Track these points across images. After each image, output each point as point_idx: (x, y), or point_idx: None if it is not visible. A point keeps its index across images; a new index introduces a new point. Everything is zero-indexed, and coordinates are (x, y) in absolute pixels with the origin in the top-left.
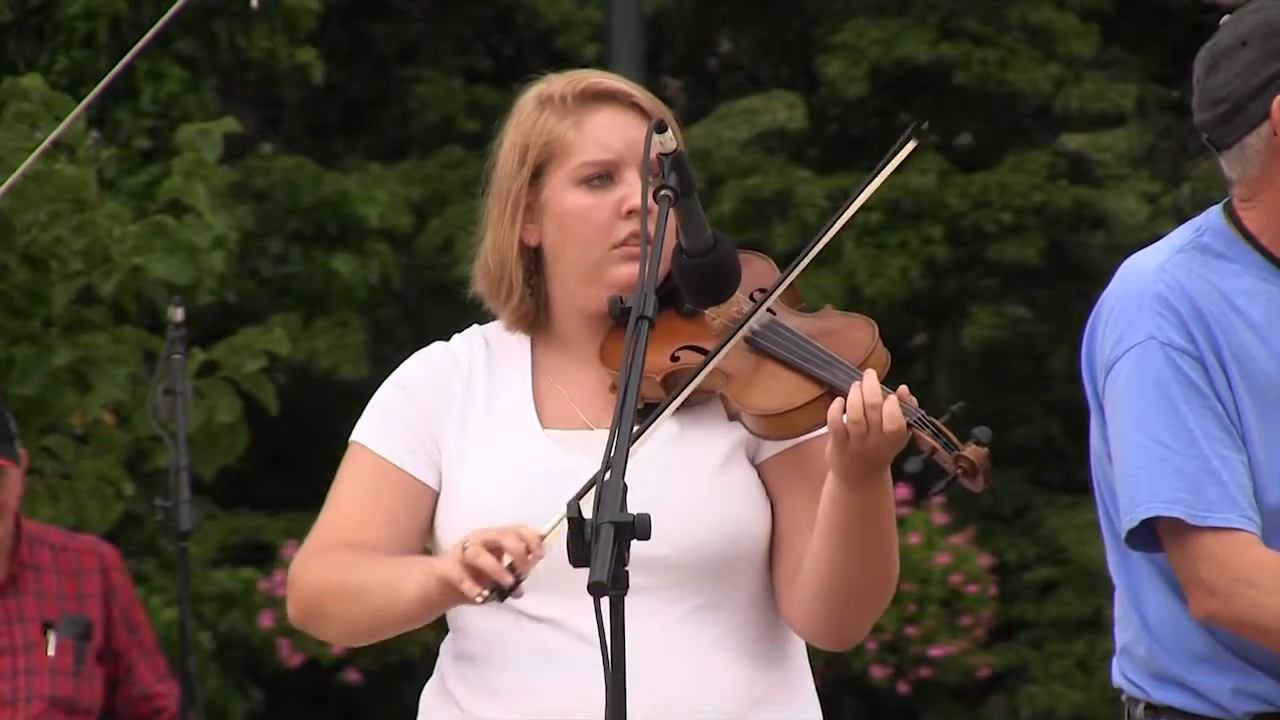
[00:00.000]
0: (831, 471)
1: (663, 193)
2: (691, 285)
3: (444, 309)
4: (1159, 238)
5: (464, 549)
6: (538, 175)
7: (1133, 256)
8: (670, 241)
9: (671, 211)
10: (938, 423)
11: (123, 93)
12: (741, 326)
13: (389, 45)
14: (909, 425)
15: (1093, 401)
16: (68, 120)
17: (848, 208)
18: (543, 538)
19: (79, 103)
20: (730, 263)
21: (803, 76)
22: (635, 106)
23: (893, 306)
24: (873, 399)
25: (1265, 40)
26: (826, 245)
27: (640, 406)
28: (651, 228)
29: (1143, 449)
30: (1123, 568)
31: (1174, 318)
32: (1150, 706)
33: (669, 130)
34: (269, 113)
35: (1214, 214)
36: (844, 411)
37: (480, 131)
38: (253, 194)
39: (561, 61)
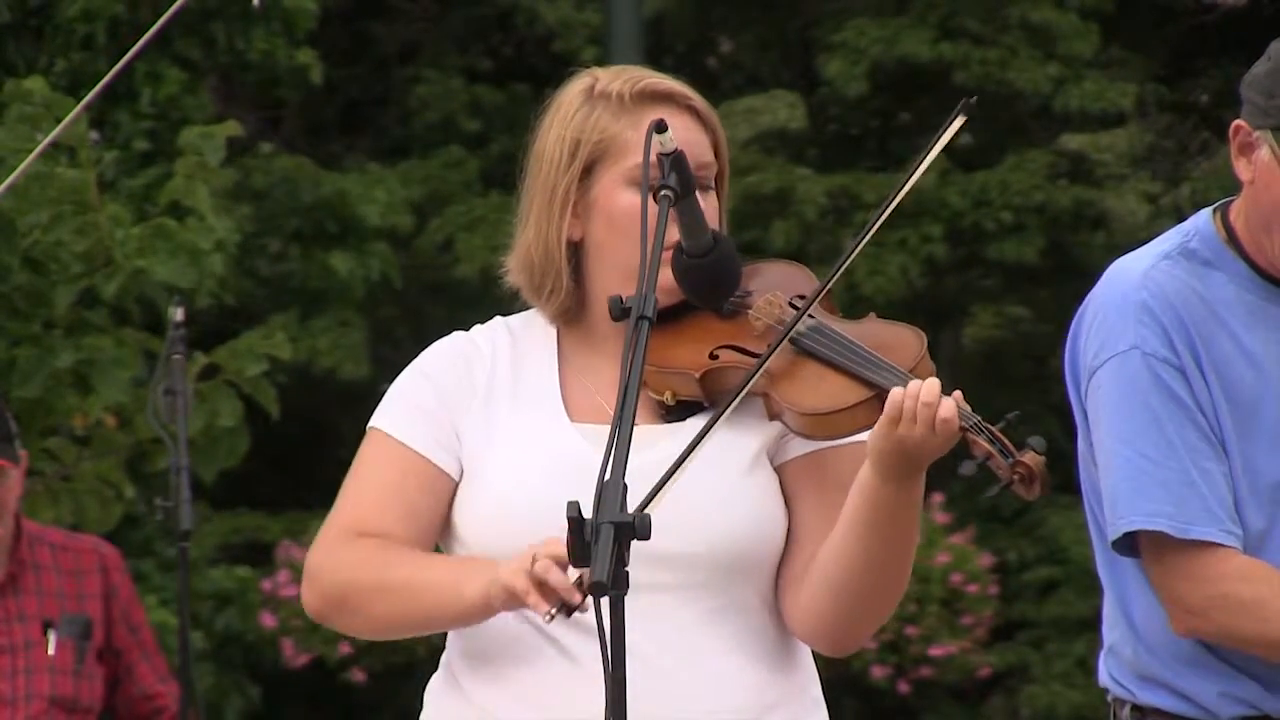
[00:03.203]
0: (869, 460)
1: (663, 193)
2: (692, 285)
3: (444, 308)
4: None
5: (533, 561)
6: (588, 171)
7: (1119, 260)
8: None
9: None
10: (994, 429)
11: (122, 94)
12: (792, 327)
13: (389, 45)
14: (964, 430)
15: (1076, 405)
16: (67, 120)
17: (903, 185)
18: None
19: (79, 105)
20: (730, 263)
21: (803, 76)
22: (690, 109)
23: (892, 305)
24: (929, 396)
25: (1274, 73)
26: (829, 242)
27: (673, 404)
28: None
29: (1125, 460)
30: (1111, 570)
31: (1157, 327)
32: (1136, 708)
33: (669, 130)
34: (268, 113)
35: (1204, 218)
36: (901, 400)
37: (480, 131)
38: (252, 193)
39: (562, 62)
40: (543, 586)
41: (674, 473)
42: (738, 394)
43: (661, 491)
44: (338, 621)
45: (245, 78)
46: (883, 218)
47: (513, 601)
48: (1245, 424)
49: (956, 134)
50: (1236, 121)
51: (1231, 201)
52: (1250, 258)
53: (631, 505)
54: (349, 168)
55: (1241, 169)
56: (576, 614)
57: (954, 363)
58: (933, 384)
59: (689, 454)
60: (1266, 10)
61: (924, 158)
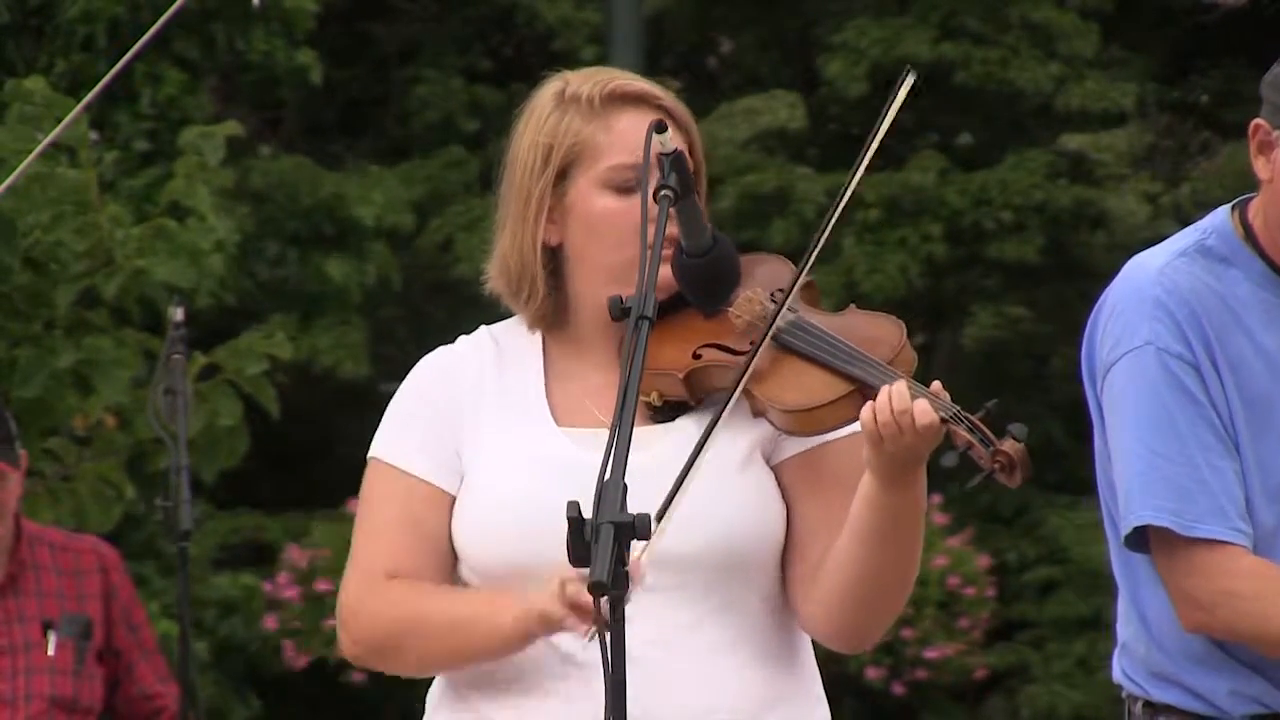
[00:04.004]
0: (868, 472)
1: (662, 193)
2: (691, 285)
3: (444, 309)
4: (1159, 238)
5: (563, 585)
6: (562, 176)
7: (1137, 256)
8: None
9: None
10: (974, 419)
11: (121, 95)
12: (772, 324)
13: (389, 45)
14: (944, 421)
15: (1092, 400)
16: (66, 121)
17: (861, 161)
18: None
19: (79, 105)
20: (729, 262)
21: (803, 76)
22: (661, 108)
23: (891, 304)
24: (901, 404)
25: None
26: (827, 239)
27: (660, 404)
28: (651, 230)
29: (1136, 456)
30: (1124, 567)
31: (1172, 323)
32: (1149, 704)
33: (669, 130)
34: (268, 114)
35: (1221, 215)
36: (875, 418)
37: (480, 131)
38: (251, 195)
39: (562, 61)
40: (578, 609)
41: (684, 478)
42: (729, 399)
43: (677, 498)
44: (382, 665)
45: (245, 78)
46: (837, 213)
47: (550, 627)
48: (1259, 422)
49: (902, 106)
50: (1256, 120)
51: (1249, 199)
52: (1267, 256)
53: (633, 508)
54: (349, 169)
55: (1260, 168)
56: None
57: (954, 363)
58: (901, 392)
59: (694, 460)
60: (1266, 10)
61: (878, 126)
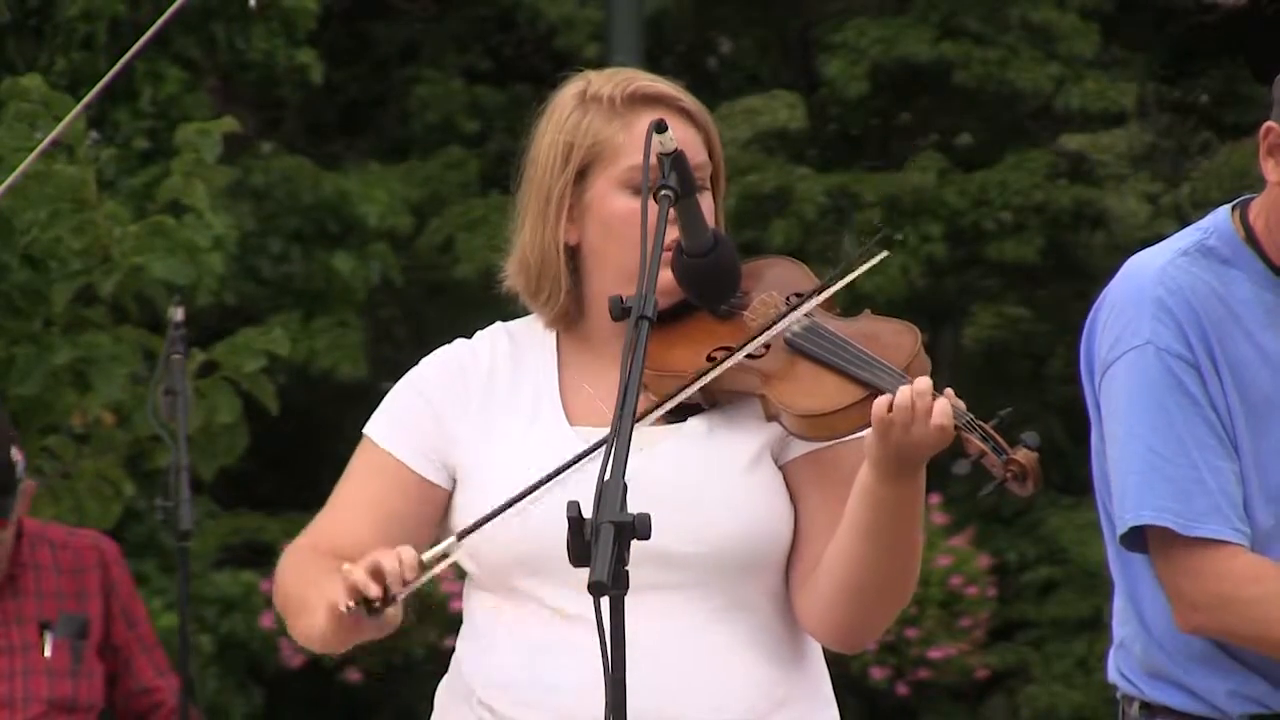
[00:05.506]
0: (868, 462)
1: (663, 193)
2: (692, 285)
3: (444, 309)
4: (1159, 238)
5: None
6: (582, 175)
7: (1136, 255)
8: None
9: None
10: (987, 426)
11: (121, 93)
12: (780, 321)
13: (389, 45)
14: (957, 428)
15: (1090, 398)
16: (67, 120)
17: (809, 299)
18: (422, 563)
19: (78, 103)
20: (730, 262)
21: (803, 76)
22: (682, 110)
23: (891, 305)
24: (922, 388)
25: None
26: (829, 242)
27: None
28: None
29: (1135, 455)
30: (1122, 566)
31: (1172, 323)
32: (1145, 705)
33: (669, 130)
34: (269, 113)
35: (1222, 215)
36: (890, 405)
37: (480, 131)
38: (252, 193)
39: (562, 61)
40: (349, 585)
41: (611, 443)
42: (689, 385)
43: (614, 464)
44: (291, 629)
45: (245, 77)
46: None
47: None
48: (1259, 423)
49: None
50: (1268, 123)
51: (1250, 200)
52: (1268, 257)
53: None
54: (350, 167)
55: (1269, 170)
56: (584, 613)
57: (954, 363)
58: (924, 383)
59: (636, 422)
60: (1266, 10)
61: (832, 281)
